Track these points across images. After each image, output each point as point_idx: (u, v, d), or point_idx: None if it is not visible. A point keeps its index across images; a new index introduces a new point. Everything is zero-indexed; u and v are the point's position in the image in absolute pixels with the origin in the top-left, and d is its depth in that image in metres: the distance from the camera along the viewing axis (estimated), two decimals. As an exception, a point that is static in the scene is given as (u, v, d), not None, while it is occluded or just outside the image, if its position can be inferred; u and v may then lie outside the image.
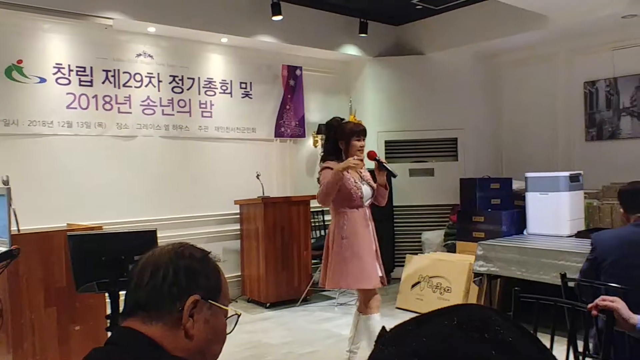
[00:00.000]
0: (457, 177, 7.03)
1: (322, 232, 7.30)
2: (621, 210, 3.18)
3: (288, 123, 7.46)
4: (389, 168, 4.08)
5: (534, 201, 5.80)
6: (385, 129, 7.73)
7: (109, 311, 3.34)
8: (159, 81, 6.39)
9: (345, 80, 8.12)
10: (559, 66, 7.35)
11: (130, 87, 6.18)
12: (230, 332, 1.36)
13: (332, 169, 3.96)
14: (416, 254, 6.64)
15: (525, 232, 5.95)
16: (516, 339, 0.62)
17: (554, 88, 7.39)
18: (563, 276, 3.18)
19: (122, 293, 2.81)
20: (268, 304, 6.36)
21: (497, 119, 8.06)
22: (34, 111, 5.58)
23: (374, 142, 7.31)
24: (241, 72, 7.08)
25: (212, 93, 6.82)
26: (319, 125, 7.42)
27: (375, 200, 4.18)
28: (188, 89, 6.62)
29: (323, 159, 4.19)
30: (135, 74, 6.22)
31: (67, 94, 5.77)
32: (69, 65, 5.78)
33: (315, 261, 6.89)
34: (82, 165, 5.87)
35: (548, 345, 2.57)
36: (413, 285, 6.17)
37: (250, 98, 7.16)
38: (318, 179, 4.13)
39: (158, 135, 6.40)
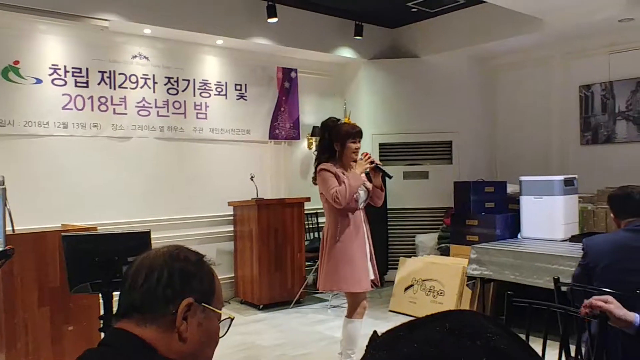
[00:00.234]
0: (452, 180, 7.04)
1: (316, 234, 7.30)
2: (612, 215, 3.17)
3: (282, 125, 7.46)
4: (383, 169, 4.11)
5: (528, 205, 5.80)
6: (379, 131, 7.73)
7: (102, 312, 3.34)
8: (155, 83, 6.39)
9: (340, 82, 8.12)
10: (555, 69, 7.32)
11: (126, 88, 6.18)
12: (223, 336, 1.36)
13: (330, 171, 3.97)
14: (410, 256, 6.63)
15: (519, 236, 5.95)
16: (508, 346, 0.62)
17: (549, 91, 7.38)
18: (556, 281, 3.19)
19: (116, 294, 2.81)
20: (261, 306, 6.36)
21: (492, 122, 8.06)
22: (30, 112, 5.57)
23: (368, 145, 7.31)
24: (236, 74, 7.08)
25: (207, 95, 6.82)
26: (314, 127, 7.40)
27: (371, 200, 4.20)
28: (183, 91, 6.61)
29: (317, 159, 4.18)
30: (131, 75, 6.22)
31: (63, 95, 5.77)
32: (65, 67, 5.78)
33: (309, 263, 6.90)
34: (77, 166, 5.87)
35: (540, 349, 2.59)
36: (406, 288, 6.17)
37: (245, 100, 7.15)
38: (314, 179, 4.13)
39: (153, 136, 6.39)
